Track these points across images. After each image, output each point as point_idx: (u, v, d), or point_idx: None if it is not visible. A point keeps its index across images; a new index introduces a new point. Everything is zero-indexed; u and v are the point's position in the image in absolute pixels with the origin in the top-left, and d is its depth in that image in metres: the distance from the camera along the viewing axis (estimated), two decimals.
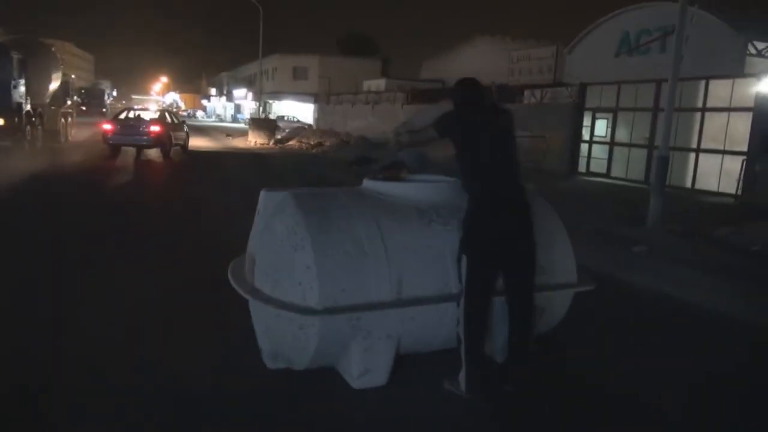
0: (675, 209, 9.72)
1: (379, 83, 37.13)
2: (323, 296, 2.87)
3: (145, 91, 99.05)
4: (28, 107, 16.42)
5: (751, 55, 17.33)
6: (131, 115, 18.32)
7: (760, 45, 17.51)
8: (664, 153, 8.33)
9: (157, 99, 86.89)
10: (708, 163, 13.58)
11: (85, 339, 3.72)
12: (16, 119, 15.58)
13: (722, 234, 8.35)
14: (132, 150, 16.97)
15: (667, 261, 6.95)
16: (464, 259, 3.06)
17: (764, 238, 7.99)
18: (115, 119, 17.60)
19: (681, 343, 4.34)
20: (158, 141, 16.51)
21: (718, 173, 13.24)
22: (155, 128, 16.45)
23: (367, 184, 3.53)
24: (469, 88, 3.33)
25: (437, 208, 3.34)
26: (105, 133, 16.48)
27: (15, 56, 15.61)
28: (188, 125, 21.47)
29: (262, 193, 3.30)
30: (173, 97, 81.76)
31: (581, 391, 3.38)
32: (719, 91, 13.64)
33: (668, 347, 4.24)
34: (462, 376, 3.12)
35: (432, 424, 2.93)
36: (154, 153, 17.55)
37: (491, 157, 3.13)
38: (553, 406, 3.16)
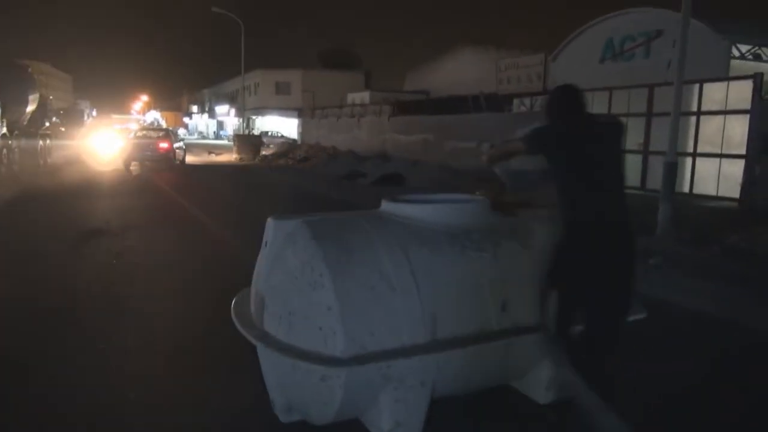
0: (678, 215, 9.45)
1: (363, 96, 36.87)
2: (349, 342, 2.44)
3: (126, 110, 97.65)
4: (4, 130, 15.84)
5: (735, 57, 17.37)
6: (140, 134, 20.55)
7: (744, 47, 17.58)
8: (672, 159, 8.05)
9: (138, 118, 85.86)
10: (705, 167, 13.36)
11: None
12: None
13: (734, 241, 8.07)
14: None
15: (687, 273, 6.62)
16: (553, 293, 2.69)
17: None
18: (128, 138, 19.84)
19: (721, 360, 4.02)
20: (165, 156, 18.43)
21: (716, 177, 13.03)
22: (164, 145, 18.50)
23: (387, 206, 3.12)
24: (569, 96, 2.85)
25: (468, 231, 2.93)
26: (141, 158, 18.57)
27: None
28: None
29: (270, 222, 2.87)
30: (154, 116, 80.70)
31: None
32: (714, 94, 13.46)
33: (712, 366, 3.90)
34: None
35: None
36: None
37: (598, 179, 2.68)
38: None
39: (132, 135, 20.33)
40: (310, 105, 40.42)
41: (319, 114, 36.76)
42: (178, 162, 19.85)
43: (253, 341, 2.71)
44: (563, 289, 2.69)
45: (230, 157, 27.06)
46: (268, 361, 2.83)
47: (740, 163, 12.15)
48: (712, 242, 8.14)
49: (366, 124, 28.03)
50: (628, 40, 19.75)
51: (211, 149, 33.33)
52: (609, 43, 20.38)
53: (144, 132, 21.34)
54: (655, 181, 13.70)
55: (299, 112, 41.99)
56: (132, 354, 3.85)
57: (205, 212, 10.34)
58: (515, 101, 19.31)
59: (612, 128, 2.88)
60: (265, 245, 2.89)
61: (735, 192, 12.13)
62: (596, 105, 16.82)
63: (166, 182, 15.73)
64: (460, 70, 30.59)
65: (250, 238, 4.81)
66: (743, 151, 12.09)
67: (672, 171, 8.06)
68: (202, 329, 4.29)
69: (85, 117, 52.01)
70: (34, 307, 4.81)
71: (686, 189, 13.58)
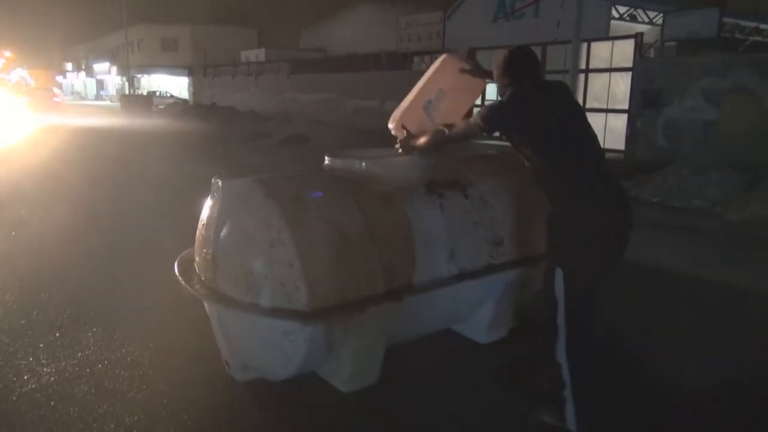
0: None
1: (258, 53, 35.49)
2: (313, 297, 2.48)
3: None
4: None
5: (614, 18, 18.63)
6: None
7: (622, 9, 18.87)
8: None
9: (1, 77, 77.40)
10: (593, 121, 14.15)
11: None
12: None
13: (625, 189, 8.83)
14: None
15: None
16: (560, 274, 2.45)
17: (662, 191, 8.56)
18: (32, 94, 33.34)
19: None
20: (57, 104, 31.24)
21: (603, 131, 14.05)
22: (57, 100, 32.37)
23: (333, 162, 3.13)
24: (527, 60, 2.61)
25: (414, 185, 3.03)
26: (30, 102, 29.80)
27: None
28: None
29: (217, 183, 2.78)
30: (21, 74, 73.08)
31: None
32: (600, 52, 14.37)
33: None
34: (570, 412, 2.50)
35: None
36: None
37: (583, 145, 2.56)
38: None
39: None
40: (201, 63, 38.38)
41: (212, 72, 35.06)
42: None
43: (212, 303, 2.67)
44: (585, 265, 2.45)
45: (117, 119, 25.29)
46: (223, 320, 2.80)
47: (624, 118, 13.18)
48: None
49: (264, 83, 27.19)
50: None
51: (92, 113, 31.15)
52: (501, 3, 21.01)
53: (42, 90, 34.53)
54: None
55: (189, 71, 39.76)
56: (64, 326, 3.62)
57: (109, 181, 9.70)
58: (416, 59, 19.51)
59: (565, 88, 2.76)
60: (212, 206, 2.82)
61: (620, 144, 13.18)
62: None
63: (59, 148, 14.49)
64: (357, 28, 30.32)
65: (166, 207, 4.53)
66: (626, 106, 13.11)
67: None
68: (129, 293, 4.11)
69: None
70: None
71: None
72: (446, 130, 2.81)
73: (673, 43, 13.48)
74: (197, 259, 2.99)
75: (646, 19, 19.23)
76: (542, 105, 2.55)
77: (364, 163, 3.03)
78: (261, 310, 2.50)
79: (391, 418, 2.70)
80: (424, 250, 2.85)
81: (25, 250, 5.38)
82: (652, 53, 13.35)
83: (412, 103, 3.19)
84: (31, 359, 3.18)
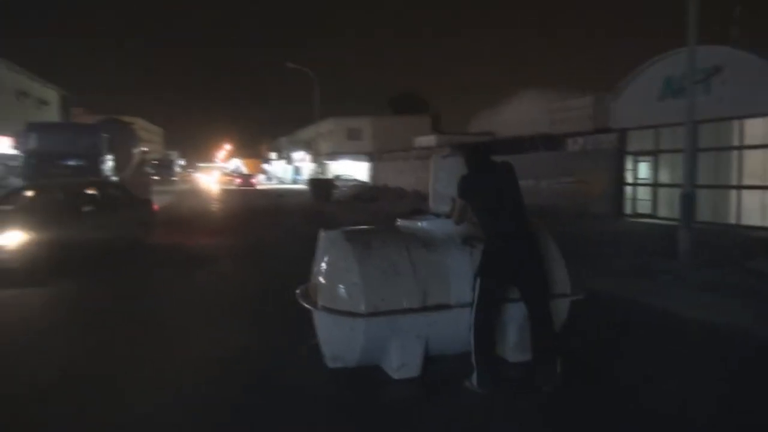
0: (715, 243, 10.19)
1: (429, 139, 38.59)
2: (367, 304, 3.85)
3: (210, 159, 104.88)
4: (115, 179, 18.53)
5: None
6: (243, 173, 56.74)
7: None
8: (688, 191, 8.97)
9: (221, 166, 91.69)
10: (750, 198, 13.86)
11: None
12: None
13: (754, 265, 8.80)
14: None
15: (689, 287, 7.55)
16: (478, 280, 3.95)
17: None
18: (240, 176, 53.07)
19: (683, 355, 5.04)
20: (253, 185, 48.20)
21: (759, 208, 13.50)
22: (253, 180, 50.39)
23: (401, 222, 4.56)
24: (479, 153, 4.22)
25: (453, 236, 4.31)
26: (239, 183, 49.02)
27: (104, 135, 17.87)
28: None
29: (321, 233, 4.37)
30: (236, 163, 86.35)
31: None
32: (755, 129, 14.04)
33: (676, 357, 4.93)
34: (474, 375, 3.91)
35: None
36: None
37: (501, 204, 3.97)
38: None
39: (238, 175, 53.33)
40: (379, 149, 42.66)
41: (387, 157, 38.82)
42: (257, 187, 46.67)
43: (310, 307, 4.18)
44: (485, 277, 3.94)
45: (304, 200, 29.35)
46: (321, 323, 4.27)
47: None
48: (731, 265, 8.89)
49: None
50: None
51: (280, 193, 36.61)
52: (668, 81, 21.02)
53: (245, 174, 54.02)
54: (699, 212, 14.26)
55: (369, 156, 44.30)
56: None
57: (287, 244, 12.11)
58: (569, 140, 20.29)
59: (506, 167, 4.10)
60: (318, 248, 4.38)
61: None
62: (645, 142, 17.59)
63: (250, 223, 17.77)
64: (520, 111, 31.85)
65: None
66: None
67: (688, 201, 8.97)
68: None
69: (175, 166, 57.47)
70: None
71: (733, 220, 14.07)
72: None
73: None
74: (311, 283, 4.54)
75: None
76: (479, 181, 4.09)
77: (421, 223, 4.41)
78: (337, 312, 3.93)
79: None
80: (454, 282, 4.09)
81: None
82: None
83: (432, 187, 4.73)
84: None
